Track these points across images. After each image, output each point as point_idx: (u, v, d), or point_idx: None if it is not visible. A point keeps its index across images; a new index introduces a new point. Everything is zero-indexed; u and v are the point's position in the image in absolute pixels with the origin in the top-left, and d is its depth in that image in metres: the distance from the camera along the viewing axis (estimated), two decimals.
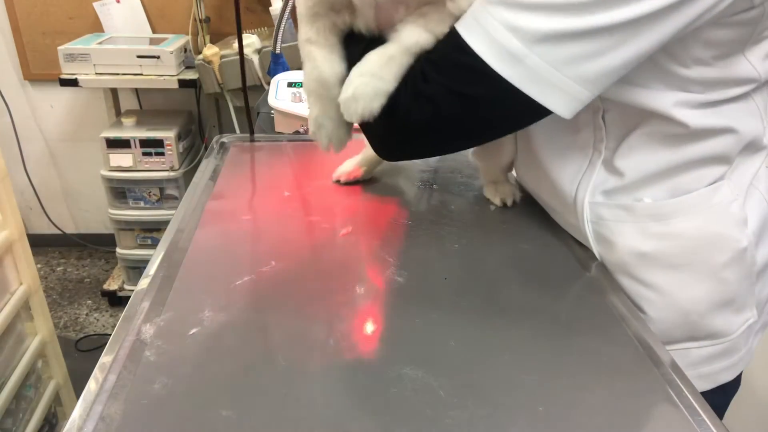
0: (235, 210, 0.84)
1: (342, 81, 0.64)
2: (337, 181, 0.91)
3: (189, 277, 0.68)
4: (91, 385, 0.53)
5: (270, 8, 1.85)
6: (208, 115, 2.33)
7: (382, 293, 0.67)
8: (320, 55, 0.65)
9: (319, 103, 0.68)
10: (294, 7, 0.73)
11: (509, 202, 0.85)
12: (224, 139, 1.09)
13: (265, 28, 2.04)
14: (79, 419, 0.49)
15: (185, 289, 0.66)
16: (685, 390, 0.54)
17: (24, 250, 1.42)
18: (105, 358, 0.56)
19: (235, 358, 0.56)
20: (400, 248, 0.75)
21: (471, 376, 0.55)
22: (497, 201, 0.85)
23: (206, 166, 0.98)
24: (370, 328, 0.61)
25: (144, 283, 0.68)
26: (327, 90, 0.66)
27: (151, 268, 0.70)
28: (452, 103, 0.58)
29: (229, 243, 0.76)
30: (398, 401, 0.51)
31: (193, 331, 0.59)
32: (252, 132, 1.15)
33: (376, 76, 0.60)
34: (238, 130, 2.01)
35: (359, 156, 0.91)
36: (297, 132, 1.23)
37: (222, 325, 0.60)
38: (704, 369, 0.68)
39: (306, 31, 0.66)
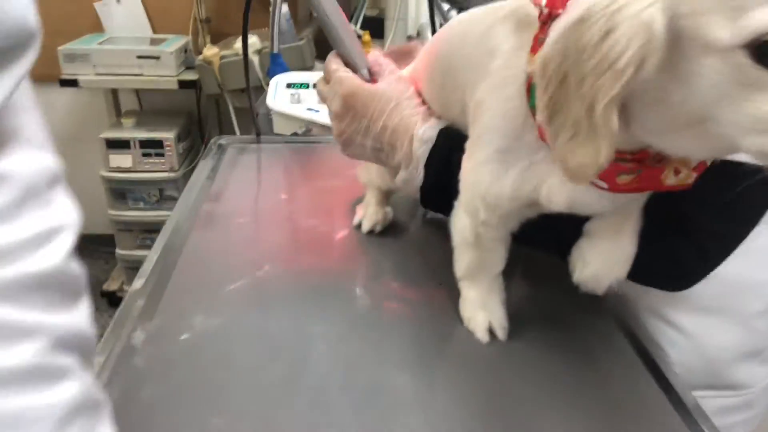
0: (231, 212, 0.83)
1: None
2: (371, 232, 0.77)
3: (182, 280, 0.67)
4: None
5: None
6: (208, 116, 2.33)
7: (377, 299, 0.66)
8: (490, 244, 0.58)
9: (476, 287, 0.60)
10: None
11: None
12: (222, 141, 1.08)
13: (266, 29, 2.03)
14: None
15: (178, 292, 0.65)
16: None
17: None
18: (95, 360, 0.55)
19: (226, 364, 0.55)
20: (398, 254, 0.74)
21: (471, 389, 0.54)
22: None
23: (203, 168, 0.97)
24: (364, 335, 0.60)
25: (138, 284, 0.67)
26: (489, 274, 0.60)
27: (146, 270, 0.70)
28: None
29: (223, 246, 0.75)
30: (392, 412, 0.50)
31: (184, 336, 0.58)
32: (258, 133, 1.14)
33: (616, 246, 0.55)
34: (238, 132, 2.00)
35: (371, 197, 0.77)
36: (295, 134, 1.23)
37: (214, 331, 0.59)
38: (719, 420, 0.63)
39: (484, 216, 0.55)
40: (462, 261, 0.60)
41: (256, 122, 1.18)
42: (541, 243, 0.63)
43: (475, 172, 0.54)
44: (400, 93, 0.64)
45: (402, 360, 0.57)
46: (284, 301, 0.64)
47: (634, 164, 0.43)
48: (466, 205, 0.57)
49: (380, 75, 0.67)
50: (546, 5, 0.43)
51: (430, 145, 0.61)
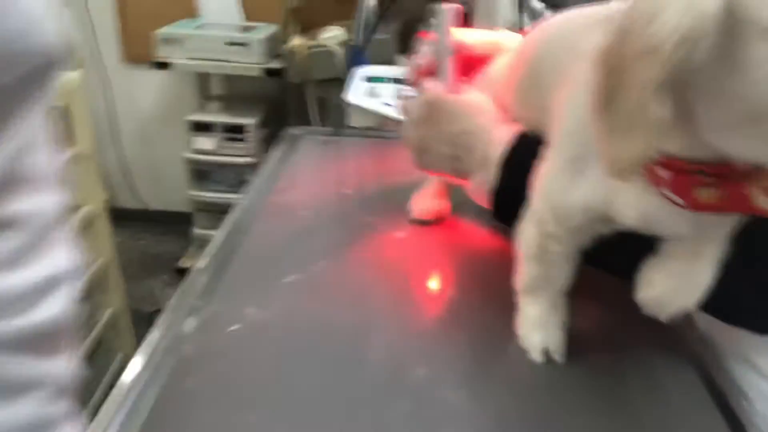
0: (295, 204, 0.82)
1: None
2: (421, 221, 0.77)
3: (240, 267, 0.67)
4: (128, 372, 0.52)
5: None
6: (291, 105, 2.36)
7: (430, 304, 0.63)
8: (556, 259, 0.54)
9: (536, 304, 0.56)
10: None
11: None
12: (296, 131, 1.08)
13: (354, 21, 2.03)
14: (111, 405, 0.49)
15: (235, 280, 0.65)
16: None
17: (103, 225, 1.48)
18: (150, 338, 0.56)
19: (271, 361, 0.54)
20: (455, 259, 0.70)
21: (518, 408, 0.50)
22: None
23: (274, 157, 0.97)
24: (416, 342, 0.57)
25: (202, 263, 0.68)
26: (551, 291, 0.56)
27: (211, 250, 0.71)
28: None
29: (284, 237, 0.74)
30: (436, 426, 0.48)
31: (234, 327, 0.57)
32: (340, 125, 1.13)
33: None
34: (318, 122, 2.02)
35: (430, 187, 0.77)
36: (369, 128, 1.21)
37: (263, 324, 0.58)
38: None
39: (552, 227, 0.52)
40: (524, 274, 0.56)
41: (341, 115, 1.16)
42: (617, 268, 0.57)
43: (548, 180, 0.51)
44: (481, 102, 0.64)
45: (452, 372, 0.54)
46: (337, 300, 0.63)
47: (714, 178, 0.38)
48: (534, 214, 0.53)
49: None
50: None
51: (507, 148, 0.58)
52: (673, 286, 0.49)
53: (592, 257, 0.54)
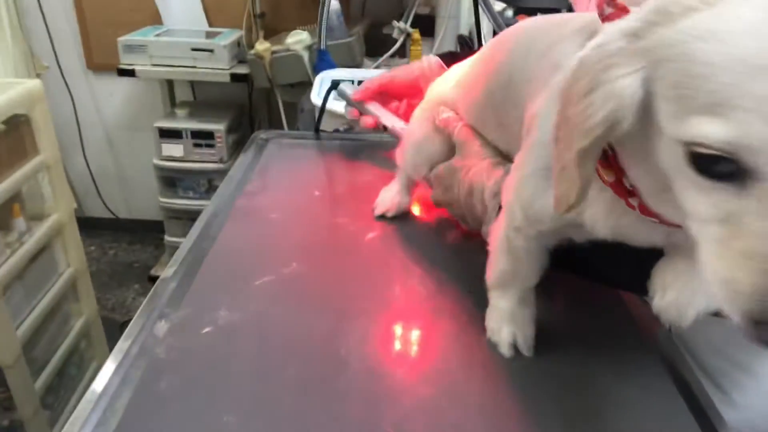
0: (265, 207, 0.83)
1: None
2: (382, 216, 0.80)
3: (211, 271, 0.68)
4: (100, 378, 0.53)
5: None
6: (258, 109, 2.36)
7: (402, 303, 0.65)
8: (522, 254, 0.55)
9: (506, 298, 0.58)
10: None
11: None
12: (263, 135, 1.09)
13: (316, 25, 2.05)
14: (83, 410, 0.50)
15: (205, 284, 0.66)
16: None
17: (73, 233, 1.47)
18: (122, 345, 0.57)
19: (244, 362, 0.55)
20: (426, 257, 0.73)
21: (493, 398, 0.52)
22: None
23: (243, 161, 0.98)
24: (387, 339, 0.59)
25: (170, 271, 0.68)
26: (520, 286, 0.57)
27: (178, 257, 0.71)
28: None
29: (253, 240, 0.76)
30: (408, 421, 0.49)
31: (206, 330, 0.59)
32: (309, 128, 1.15)
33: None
34: (286, 126, 2.02)
35: (397, 183, 0.81)
36: (337, 130, 1.23)
37: (235, 327, 0.59)
38: None
39: (520, 222, 0.53)
40: (494, 268, 0.58)
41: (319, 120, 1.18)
42: (606, 278, 0.58)
43: (520, 184, 0.52)
44: (468, 155, 0.66)
45: (424, 368, 0.56)
46: (308, 301, 0.64)
47: None
48: (505, 207, 0.55)
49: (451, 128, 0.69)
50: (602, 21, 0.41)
51: (498, 200, 0.60)
52: (687, 286, 0.46)
53: (575, 266, 0.56)
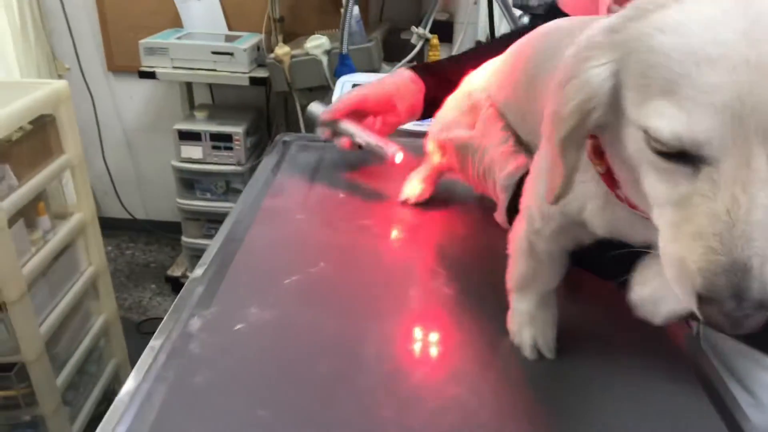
0: (291, 208, 0.85)
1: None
2: (405, 201, 0.85)
3: (240, 271, 0.70)
4: (134, 375, 0.54)
5: None
6: (277, 113, 2.38)
7: (428, 304, 0.66)
8: (543, 256, 0.55)
9: (526, 300, 0.58)
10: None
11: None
12: (286, 138, 1.11)
13: (336, 30, 2.06)
14: (120, 405, 0.51)
15: (235, 283, 0.67)
16: None
17: (95, 233, 1.49)
18: (154, 343, 0.58)
19: (277, 358, 0.56)
20: (450, 259, 0.73)
21: (517, 400, 0.53)
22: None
23: (267, 163, 1.00)
24: (413, 339, 0.60)
25: (198, 272, 0.69)
26: (540, 288, 0.58)
27: (207, 258, 0.72)
28: None
29: (281, 240, 0.77)
30: (437, 419, 0.50)
31: (239, 326, 0.60)
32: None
33: None
34: (303, 129, 2.04)
35: (421, 171, 0.86)
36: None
37: (267, 324, 0.61)
38: None
39: (539, 224, 0.54)
40: (515, 270, 0.59)
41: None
42: (607, 272, 0.59)
43: (536, 181, 0.53)
44: (488, 134, 0.68)
45: (451, 368, 0.56)
46: (336, 299, 0.65)
47: None
48: (525, 211, 0.56)
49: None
50: None
51: (509, 194, 0.61)
52: (665, 284, 0.46)
53: (583, 261, 0.56)
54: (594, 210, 0.47)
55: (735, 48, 0.29)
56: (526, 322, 0.58)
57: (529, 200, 0.55)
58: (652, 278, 0.48)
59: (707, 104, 0.30)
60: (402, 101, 0.87)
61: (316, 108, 0.92)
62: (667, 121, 0.31)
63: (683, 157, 0.32)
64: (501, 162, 0.64)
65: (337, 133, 0.89)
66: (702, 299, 0.31)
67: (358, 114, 0.89)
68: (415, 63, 1.74)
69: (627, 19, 0.35)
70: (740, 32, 0.30)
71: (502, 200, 0.63)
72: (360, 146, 0.88)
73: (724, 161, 0.30)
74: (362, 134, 0.87)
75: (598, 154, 0.43)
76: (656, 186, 0.35)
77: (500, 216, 0.66)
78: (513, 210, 0.61)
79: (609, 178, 0.43)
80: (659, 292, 0.47)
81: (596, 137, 0.42)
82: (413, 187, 0.85)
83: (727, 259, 0.30)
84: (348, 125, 0.88)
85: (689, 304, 0.32)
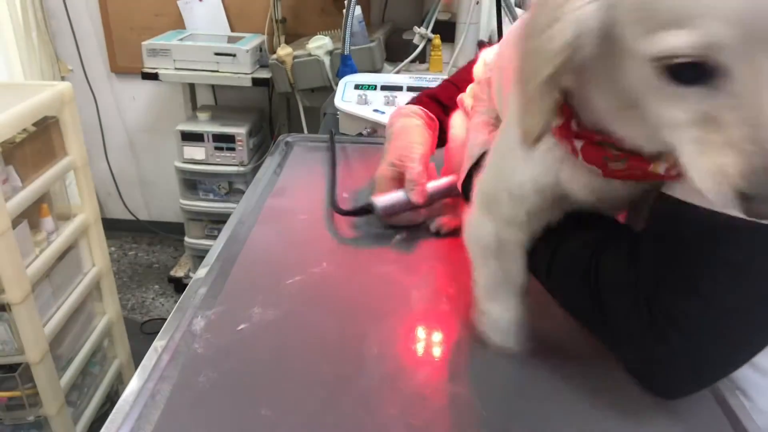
0: (293, 208, 0.85)
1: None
2: (437, 233, 0.79)
3: (243, 272, 0.70)
4: (139, 374, 0.55)
5: None
6: (279, 113, 2.38)
7: (430, 304, 0.66)
8: (513, 249, 0.56)
9: (498, 305, 0.58)
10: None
11: None
12: (289, 138, 1.11)
13: (338, 30, 2.06)
14: (124, 405, 0.51)
15: (238, 283, 0.68)
16: None
17: (98, 234, 1.49)
18: (157, 343, 0.58)
19: (280, 357, 0.57)
20: (454, 259, 0.74)
21: (519, 398, 0.53)
22: None
23: (270, 164, 1.00)
24: (416, 339, 0.60)
25: (202, 272, 0.70)
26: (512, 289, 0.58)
27: (210, 259, 0.72)
28: None
29: (283, 241, 0.77)
30: (439, 417, 0.51)
31: (242, 326, 0.60)
32: (333, 132, 1.16)
33: None
34: (306, 130, 2.04)
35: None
36: (360, 134, 1.24)
37: (270, 324, 0.61)
38: None
39: (507, 210, 0.54)
40: (482, 275, 0.58)
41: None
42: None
43: (500, 162, 0.53)
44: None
45: (453, 368, 0.57)
46: (339, 299, 0.65)
47: (621, 153, 0.45)
48: (488, 205, 0.55)
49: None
50: None
51: (472, 162, 0.61)
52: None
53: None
54: (572, 176, 0.48)
55: None
56: (500, 327, 0.57)
57: (491, 186, 0.55)
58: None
59: (718, 18, 0.31)
60: (433, 142, 0.82)
61: (386, 199, 0.77)
62: (684, 38, 0.32)
63: (696, 77, 0.33)
64: (475, 131, 0.64)
65: (431, 202, 0.78)
66: (747, 198, 0.33)
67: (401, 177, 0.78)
68: (416, 62, 1.74)
69: None
70: None
71: (463, 168, 0.63)
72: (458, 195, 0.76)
73: (740, 72, 0.32)
74: (450, 181, 0.78)
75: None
76: (668, 110, 0.36)
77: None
78: (469, 180, 0.61)
79: (565, 131, 0.45)
80: None
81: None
82: (443, 216, 0.80)
83: (765, 159, 0.32)
84: (437, 185, 0.77)
85: (732, 206, 0.34)
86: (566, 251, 0.54)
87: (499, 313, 0.58)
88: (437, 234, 0.79)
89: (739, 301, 0.45)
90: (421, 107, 0.84)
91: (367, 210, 0.77)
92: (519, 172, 0.51)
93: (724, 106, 0.33)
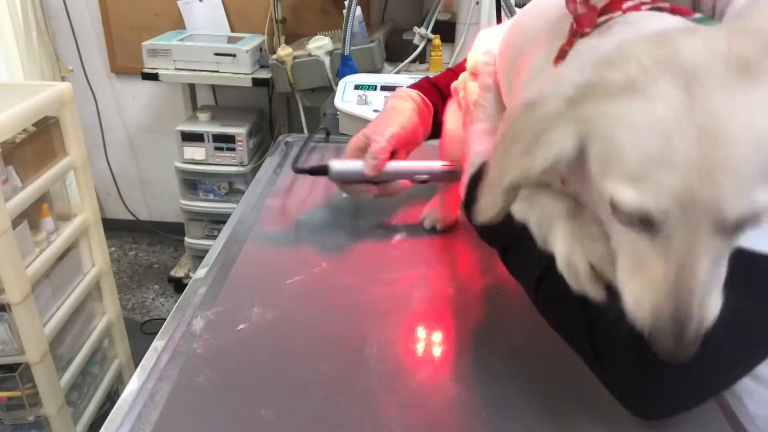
0: (293, 209, 0.85)
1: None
2: (432, 229, 0.79)
3: (243, 272, 0.70)
4: (138, 374, 0.55)
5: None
6: (279, 114, 2.38)
7: (430, 304, 0.66)
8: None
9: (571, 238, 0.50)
10: None
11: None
12: (289, 138, 1.11)
13: (338, 30, 2.06)
14: (123, 405, 0.51)
15: (238, 283, 0.68)
16: None
17: (98, 234, 1.49)
18: (157, 343, 0.58)
19: (279, 357, 0.57)
20: (453, 259, 0.74)
21: (520, 398, 0.53)
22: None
23: (270, 164, 1.00)
24: (415, 339, 0.60)
25: (201, 272, 0.70)
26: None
27: (210, 259, 0.72)
28: None
29: (283, 241, 0.77)
30: (440, 416, 0.50)
31: (241, 326, 0.60)
32: (329, 133, 1.16)
33: None
34: (306, 130, 2.04)
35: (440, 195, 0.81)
36: None
37: (269, 324, 0.61)
38: None
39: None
40: (532, 225, 0.51)
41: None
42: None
43: (508, 145, 0.53)
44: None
45: (453, 367, 0.57)
46: (338, 299, 0.65)
47: None
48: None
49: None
50: (574, 21, 0.47)
51: (472, 171, 0.61)
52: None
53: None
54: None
55: (687, 157, 0.34)
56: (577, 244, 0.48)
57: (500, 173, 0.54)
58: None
59: (664, 193, 0.35)
60: (423, 126, 0.81)
61: (342, 165, 0.76)
62: (630, 197, 0.36)
63: (641, 222, 0.37)
64: (476, 140, 0.65)
65: (388, 179, 0.76)
66: (651, 335, 0.38)
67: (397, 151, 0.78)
68: (416, 62, 1.74)
69: (584, 96, 0.38)
70: (691, 140, 0.34)
71: (463, 181, 0.63)
72: (424, 181, 0.77)
73: (675, 233, 0.36)
74: (422, 168, 0.77)
75: None
76: (620, 237, 0.41)
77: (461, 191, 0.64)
78: (473, 188, 0.60)
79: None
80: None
81: None
82: (437, 213, 0.79)
83: (673, 311, 0.37)
84: (398, 165, 0.76)
85: (642, 332, 0.39)
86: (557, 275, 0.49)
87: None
88: (434, 231, 0.79)
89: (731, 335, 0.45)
90: (419, 92, 0.84)
91: (322, 171, 0.77)
92: (511, 162, 0.50)
93: (657, 253, 0.37)
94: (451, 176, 0.76)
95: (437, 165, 0.77)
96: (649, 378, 0.48)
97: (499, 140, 0.44)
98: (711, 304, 0.37)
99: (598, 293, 0.45)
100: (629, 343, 0.45)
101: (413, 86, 0.86)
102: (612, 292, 0.43)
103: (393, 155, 0.77)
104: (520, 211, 0.55)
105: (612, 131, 0.37)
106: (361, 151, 0.76)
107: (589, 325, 0.50)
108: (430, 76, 0.90)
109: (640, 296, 0.39)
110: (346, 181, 0.77)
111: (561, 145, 0.39)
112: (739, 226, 0.36)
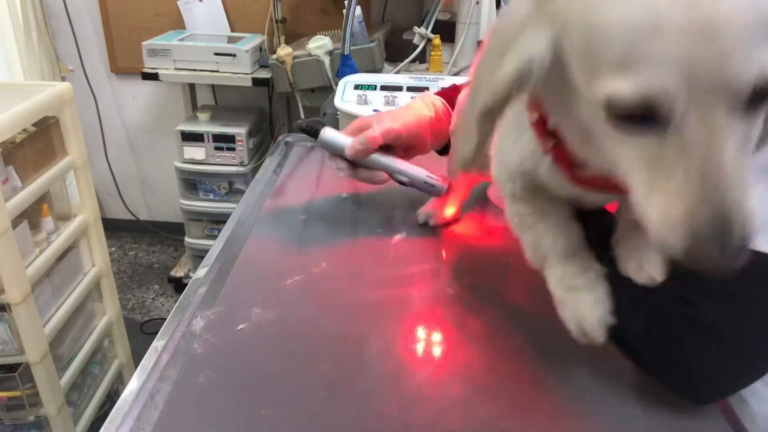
0: (293, 209, 0.85)
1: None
2: (425, 223, 0.80)
3: (243, 272, 0.70)
4: (138, 374, 0.55)
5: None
6: (279, 114, 2.38)
7: (430, 304, 0.66)
8: (531, 220, 0.54)
9: (558, 267, 0.53)
10: None
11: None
12: (289, 138, 1.11)
13: (338, 30, 2.06)
14: (124, 405, 0.51)
15: (238, 283, 0.68)
16: None
17: (98, 234, 1.49)
18: (157, 343, 0.58)
19: (279, 357, 0.57)
20: (453, 259, 0.74)
21: (520, 398, 0.53)
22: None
23: (270, 164, 1.00)
24: (415, 339, 0.60)
25: (201, 272, 0.70)
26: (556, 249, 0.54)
27: (210, 259, 0.72)
28: None
29: (283, 241, 0.77)
30: (440, 416, 0.50)
31: (241, 326, 0.60)
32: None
33: None
34: None
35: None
36: None
37: (269, 324, 0.61)
38: None
39: (508, 187, 0.54)
40: (527, 248, 0.54)
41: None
42: None
43: (500, 140, 0.53)
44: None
45: (454, 367, 0.57)
46: (338, 299, 0.65)
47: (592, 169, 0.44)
48: (496, 180, 0.55)
49: None
50: None
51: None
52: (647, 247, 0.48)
53: None
54: (548, 167, 0.48)
55: (680, 20, 0.30)
56: (566, 295, 0.51)
57: (495, 166, 0.54)
58: (634, 249, 0.49)
59: (662, 68, 0.30)
60: (434, 136, 0.78)
61: (331, 135, 0.76)
62: (629, 84, 0.31)
63: (644, 121, 0.32)
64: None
65: (368, 166, 0.77)
66: (689, 251, 0.32)
67: (388, 148, 0.77)
68: (416, 62, 1.74)
69: None
70: (680, 0, 0.30)
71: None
72: (402, 183, 0.77)
73: (686, 120, 0.31)
74: (404, 170, 0.77)
75: (533, 104, 0.44)
76: (620, 150, 0.35)
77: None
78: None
79: (541, 127, 0.45)
80: (645, 257, 0.48)
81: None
82: (431, 208, 0.80)
83: (709, 215, 0.31)
84: (383, 159, 0.76)
85: (676, 257, 0.33)
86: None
87: (562, 280, 0.52)
88: (432, 229, 0.79)
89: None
90: (444, 101, 0.81)
91: (314, 134, 0.77)
92: (510, 153, 0.51)
93: (672, 153, 0.32)
94: (431, 189, 0.77)
95: (421, 173, 0.77)
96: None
97: (473, 70, 0.42)
98: (747, 201, 0.32)
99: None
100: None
101: (440, 93, 0.84)
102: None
103: (390, 150, 0.77)
104: (517, 226, 0.56)
105: (591, 16, 0.33)
106: (360, 132, 0.77)
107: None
108: (428, 77, 0.89)
109: (667, 210, 0.33)
110: (330, 151, 0.78)
111: (532, 49, 0.36)
112: (755, 98, 0.31)
